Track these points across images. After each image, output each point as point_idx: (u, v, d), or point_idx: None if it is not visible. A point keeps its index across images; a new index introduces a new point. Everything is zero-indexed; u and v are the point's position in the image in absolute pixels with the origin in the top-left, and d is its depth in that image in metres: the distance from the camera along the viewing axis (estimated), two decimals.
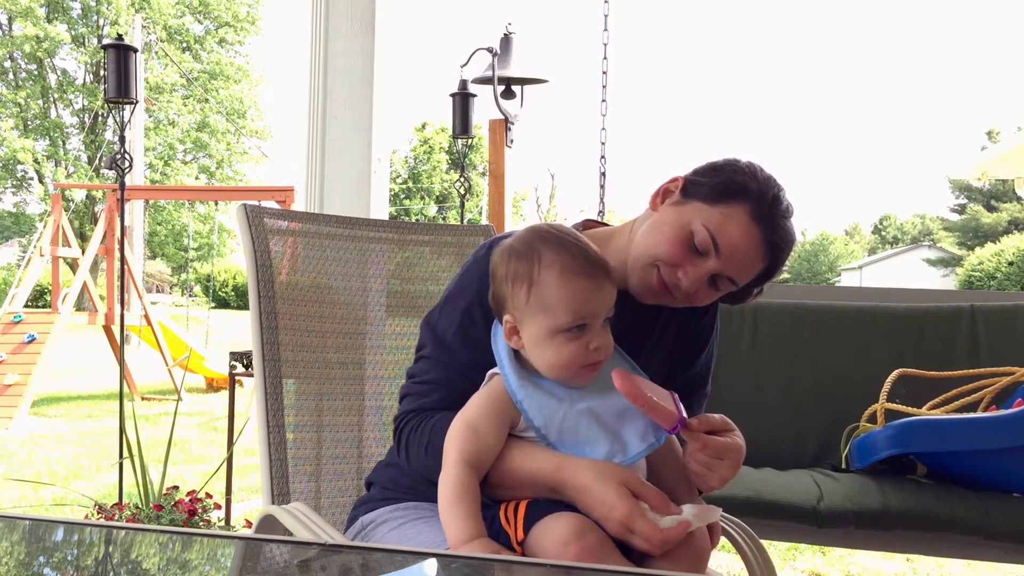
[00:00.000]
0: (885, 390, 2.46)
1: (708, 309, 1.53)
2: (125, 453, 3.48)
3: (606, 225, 1.52)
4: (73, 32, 25.53)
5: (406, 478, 1.45)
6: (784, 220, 1.35)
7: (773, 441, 2.65)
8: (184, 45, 26.60)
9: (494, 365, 1.31)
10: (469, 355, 1.36)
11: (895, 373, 2.51)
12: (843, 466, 2.51)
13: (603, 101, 3.90)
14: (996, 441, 2.18)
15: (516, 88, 4.43)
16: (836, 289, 3.48)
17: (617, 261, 1.36)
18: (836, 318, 2.85)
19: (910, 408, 2.43)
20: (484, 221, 7.03)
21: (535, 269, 1.24)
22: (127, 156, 3.86)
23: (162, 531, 1.23)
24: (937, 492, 2.23)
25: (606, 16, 3.81)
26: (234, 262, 30.71)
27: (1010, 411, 2.24)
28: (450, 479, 1.22)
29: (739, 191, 1.33)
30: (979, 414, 2.41)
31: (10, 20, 25.30)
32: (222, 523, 3.36)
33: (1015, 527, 2.13)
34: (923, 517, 2.16)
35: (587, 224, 1.51)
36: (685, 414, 1.26)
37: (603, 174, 3.94)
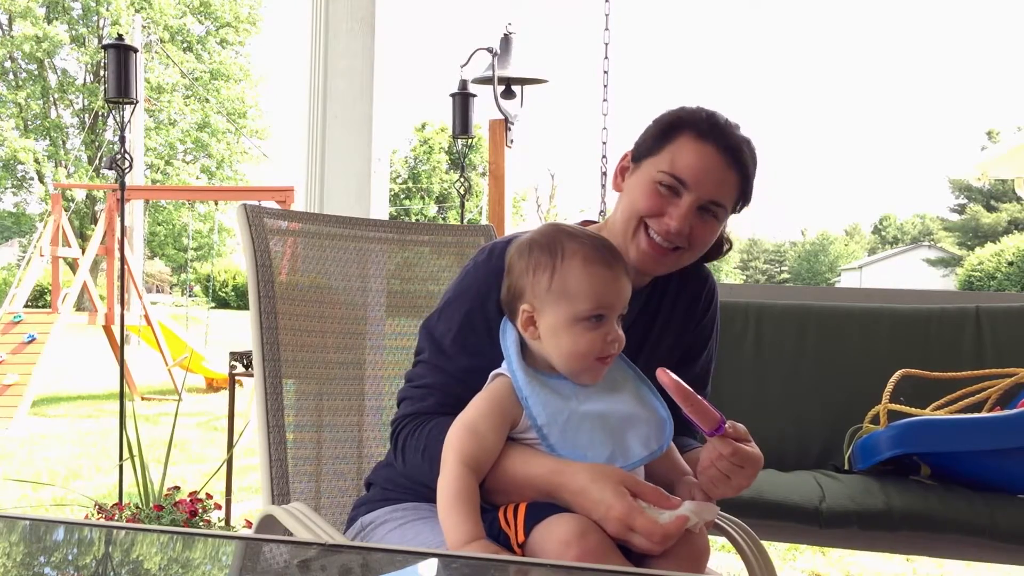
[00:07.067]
0: (888, 391, 2.45)
1: (708, 308, 1.53)
2: (125, 453, 3.47)
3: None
4: (73, 32, 25.52)
5: (405, 479, 1.45)
6: (730, 128, 1.38)
7: (776, 442, 2.64)
8: (185, 45, 26.60)
9: (491, 370, 1.31)
10: (466, 360, 1.36)
11: (898, 373, 2.49)
12: (846, 467, 2.50)
13: (604, 100, 3.90)
14: (1000, 441, 2.17)
15: (516, 88, 4.43)
16: (840, 290, 3.47)
17: None
18: (840, 319, 2.84)
19: (913, 409, 2.41)
20: (484, 221, 7.02)
21: (558, 258, 1.26)
22: (127, 156, 3.85)
23: (162, 531, 1.22)
24: (941, 493, 2.22)
25: (607, 15, 3.81)
26: (234, 262, 30.72)
27: (1014, 411, 2.22)
28: (449, 480, 1.21)
29: (675, 125, 1.38)
30: (983, 414, 2.40)
31: (10, 20, 25.29)
32: (222, 523, 3.35)
33: (1020, 529, 2.11)
34: (927, 518, 2.14)
35: (584, 224, 1.52)
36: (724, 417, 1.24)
37: (604, 173, 3.94)
